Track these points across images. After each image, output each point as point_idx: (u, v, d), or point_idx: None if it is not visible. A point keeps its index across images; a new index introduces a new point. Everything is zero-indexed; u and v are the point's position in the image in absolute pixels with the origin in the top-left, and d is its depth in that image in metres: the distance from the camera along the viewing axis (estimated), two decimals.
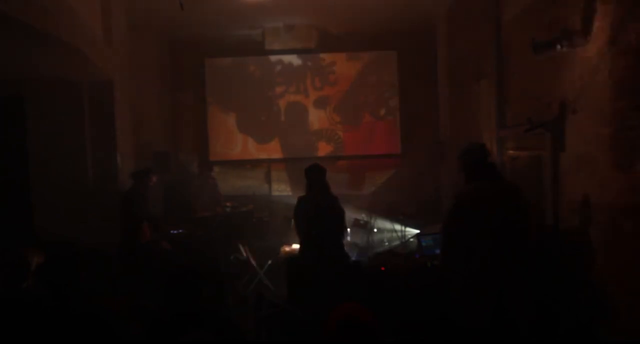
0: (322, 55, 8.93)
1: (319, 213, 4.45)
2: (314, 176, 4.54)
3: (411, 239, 7.02)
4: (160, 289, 2.71)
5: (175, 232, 5.85)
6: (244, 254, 6.29)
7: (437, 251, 4.23)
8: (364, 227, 7.40)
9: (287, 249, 6.38)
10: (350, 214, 7.24)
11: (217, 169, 8.94)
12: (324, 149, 9.01)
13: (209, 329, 2.52)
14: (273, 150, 9.03)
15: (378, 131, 8.99)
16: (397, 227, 7.54)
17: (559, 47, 3.70)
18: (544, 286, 3.57)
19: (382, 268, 4.34)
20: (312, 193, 4.52)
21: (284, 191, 8.87)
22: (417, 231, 6.61)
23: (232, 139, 9.01)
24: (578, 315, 3.52)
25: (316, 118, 9.01)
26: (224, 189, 8.32)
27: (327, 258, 4.40)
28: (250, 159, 9.04)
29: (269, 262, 6.23)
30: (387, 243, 7.62)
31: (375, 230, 7.63)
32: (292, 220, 4.70)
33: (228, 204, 7.28)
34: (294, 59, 9.00)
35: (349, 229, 7.36)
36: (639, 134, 3.01)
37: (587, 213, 3.54)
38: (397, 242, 7.41)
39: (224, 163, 9.01)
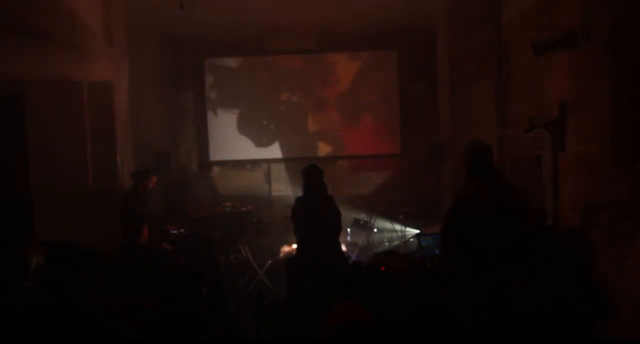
0: (322, 55, 8.93)
1: (315, 214, 4.45)
2: (310, 176, 4.54)
3: (411, 239, 7.03)
4: (160, 289, 2.71)
5: (175, 232, 5.84)
6: (244, 254, 6.29)
7: (437, 251, 4.24)
8: (364, 228, 7.40)
9: (287, 249, 6.38)
10: (350, 214, 7.26)
11: (217, 169, 8.95)
12: (324, 149, 9.01)
13: (208, 330, 2.52)
14: (273, 150, 9.03)
15: (378, 131, 8.98)
16: (397, 227, 7.55)
17: (558, 47, 3.71)
18: (544, 286, 3.57)
19: (382, 268, 4.34)
20: (309, 194, 4.53)
21: (284, 191, 8.86)
22: (417, 231, 6.62)
23: (232, 139, 9.01)
24: (578, 315, 3.52)
25: (316, 118, 9.01)
26: (224, 189, 8.32)
27: (327, 257, 4.41)
28: (250, 159, 9.04)
29: (269, 262, 6.23)
30: (387, 243, 7.62)
31: (375, 230, 7.64)
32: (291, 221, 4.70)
33: (228, 204, 7.28)
34: (294, 59, 8.99)
35: (349, 230, 7.39)
36: (638, 134, 3.01)
37: (587, 213, 3.55)
38: (397, 242, 7.42)
39: (224, 163, 9.01)
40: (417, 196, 8.16)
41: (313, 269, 4.37)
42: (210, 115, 9.00)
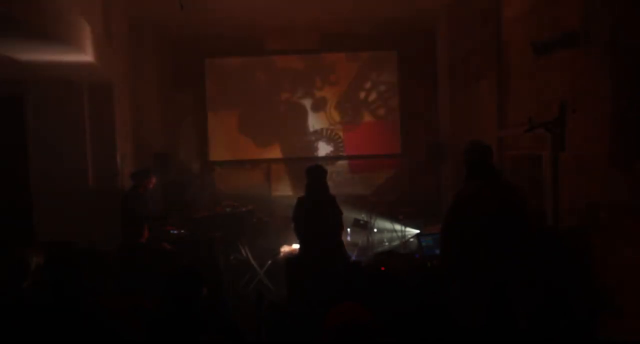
0: (322, 55, 8.93)
1: (316, 214, 4.46)
2: (312, 176, 4.55)
3: (411, 239, 7.03)
4: (160, 289, 2.71)
5: (175, 232, 5.84)
6: (244, 254, 6.29)
7: (437, 251, 4.24)
8: (364, 227, 7.41)
9: (287, 249, 6.38)
10: (350, 214, 7.26)
11: (217, 169, 8.95)
12: (324, 149, 9.01)
13: (208, 330, 2.52)
14: (273, 150, 9.03)
15: (378, 131, 8.98)
16: (397, 227, 7.55)
17: (558, 47, 3.71)
18: (544, 286, 3.57)
19: (382, 268, 4.34)
20: (311, 193, 4.54)
21: (284, 191, 8.86)
22: (417, 231, 6.62)
23: (232, 139, 9.01)
24: (578, 315, 3.52)
25: (316, 118, 9.02)
26: (224, 189, 8.32)
27: (327, 257, 4.41)
28: (250, 159, 9.04)
29: (269, 262, 6.23)
30: (387, 243, 7.62)
31: (375, 230, 7.64)
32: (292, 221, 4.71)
33: (228, 203, 7.28)
34: (294, 59, 9.00)
35: (349, 230, 7.39)
36: (639, 134, 3.01)
37: (587, 213, 3.55)
38: (397, 242, 7.42)
39: (224, 163, 9.01)
40: (417, 196, 8.16)
41: (313, 269, 4.38)
42: (210, 115, 9.00)
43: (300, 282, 4.51)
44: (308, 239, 4.53)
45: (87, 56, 4.94)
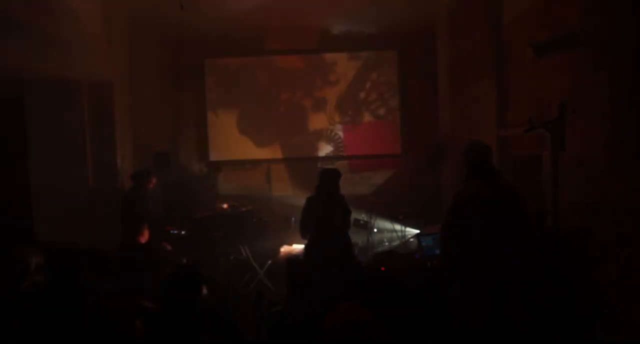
0: (322, 55, 8.94)
1: (324, 214, 4.47)
2: (324, 178, 4.57)
3: (411, 239, 7.03)
4: (160, 289, 2.71)
5: (175, 232, 5.84)
6: (244, 254, 6.29)
7: (437, 251, 4.24)
8: (364, 227, 7.41)
9: (287, 249, 6.38)
10: None
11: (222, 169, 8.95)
12: (324, 149, 9.01)
13: (208, 330, 2.52)
14: (273, 150, 9.04)
15: (378, 131, 8.98)
16: (397, 227, 7.55)
17: (558, 47, 3.71)
18: (544, 286, 3.57)
19: (382, 268, 4.34)
20: (319, 194, 4.55)
21: (284, 191, 8.86)
22: (417, 231, 6.62)
23: (232, 139, 9.02)
24: (577, 315, 3.52)
25: (316, 118, 9.02)
26: (224, 189, 8.32)
27: (333, 257, 4.41)
28: (250, 159, 9.04)
29: (269, 262, 6.23)
30: (387, 243, 7.63)
31: (375, 230, 7.64)
32: (293, 219, 4.71)
33: (229, 203, 7.28)
34: (294, 59, 9.00)
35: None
36: (638, 134, 3.01)
37: (587, 213, 3.55)
38: (397, 242, 7.42)
39: (224, 163, 9.01)
40: (417, 196, 8.16)
41: (318, 269, 4.37)
42: (210, 115, 9.01)
43: (300, 282, 4.51)
44: (314, 239, 4.53)
45: (87, 56, 4.95)
